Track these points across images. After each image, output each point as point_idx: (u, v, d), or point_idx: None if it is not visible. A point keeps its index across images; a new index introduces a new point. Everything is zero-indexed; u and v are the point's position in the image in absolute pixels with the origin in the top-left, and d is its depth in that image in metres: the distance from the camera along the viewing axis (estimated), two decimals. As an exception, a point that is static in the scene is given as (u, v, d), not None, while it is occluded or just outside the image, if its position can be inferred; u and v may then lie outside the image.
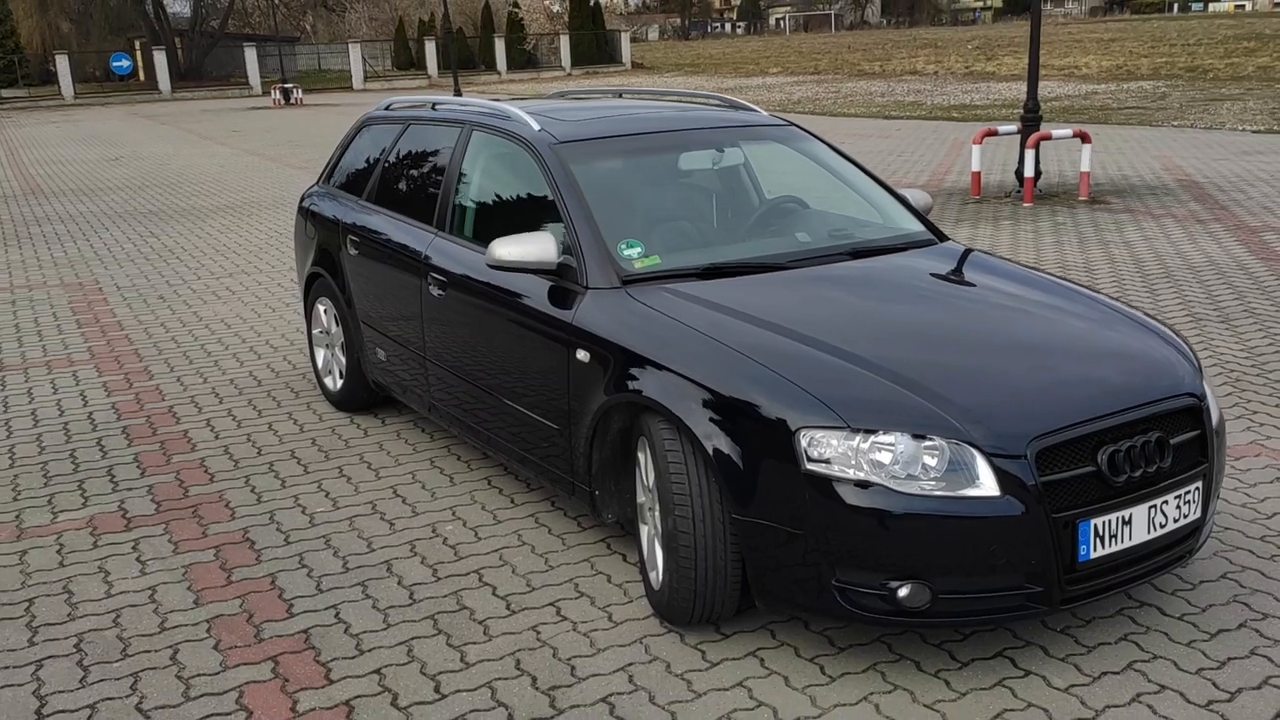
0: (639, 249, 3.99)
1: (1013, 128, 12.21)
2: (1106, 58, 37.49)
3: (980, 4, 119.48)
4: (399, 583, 3.92)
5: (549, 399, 4.00)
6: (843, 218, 4.58)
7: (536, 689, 3.25)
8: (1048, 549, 3.02)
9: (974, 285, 4.02)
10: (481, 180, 4.78)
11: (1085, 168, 11.74)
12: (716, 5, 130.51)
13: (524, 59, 54.56)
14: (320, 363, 5.94)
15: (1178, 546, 3.33)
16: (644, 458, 3.63)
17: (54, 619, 3.72)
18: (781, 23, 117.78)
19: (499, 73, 51.81)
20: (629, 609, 3.69)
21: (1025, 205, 11.39)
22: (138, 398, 6.10)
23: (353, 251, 5.36)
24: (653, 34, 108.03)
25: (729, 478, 3.22)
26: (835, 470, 3.07)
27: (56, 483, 4.92)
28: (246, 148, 22.35)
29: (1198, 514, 3.34)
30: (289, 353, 6.92)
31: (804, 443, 3.09)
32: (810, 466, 3.08)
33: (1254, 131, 17.61)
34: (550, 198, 4.21)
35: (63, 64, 44.81)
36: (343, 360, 5.65)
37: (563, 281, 3.97)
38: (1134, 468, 3.15)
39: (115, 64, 48.03)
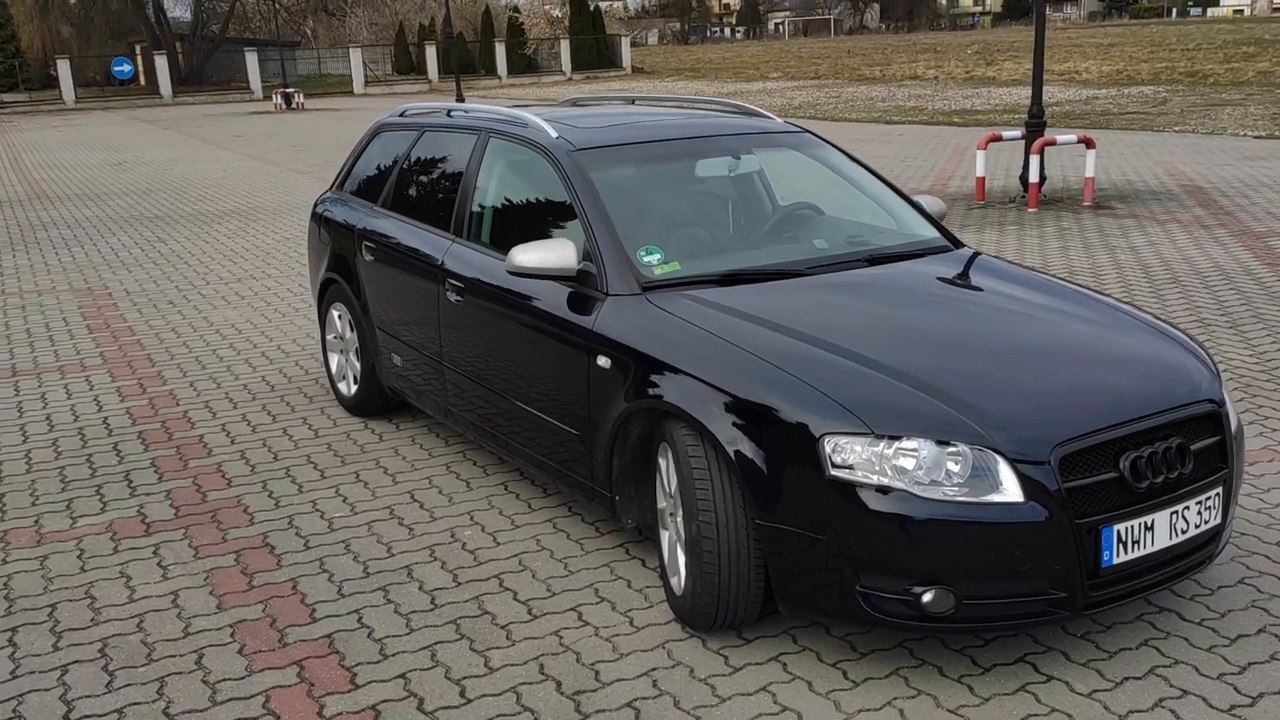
0: (658, 255, 4.02)
1: (1017, 133, 12.25)
2: (1106, 63, 37.55)
3: (979, 9, 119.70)
4: (420, 588, 3.94)
5: (568, 404, 4.02)
6: (859, 224, 4.60)
7: (561, 694, 3.27)
8: (1071, 555, 3.04)
9: (992, 292, 4.04)
10: (498, 187, 4.80)
11: (1090, 173, 11.78)
12: (716, 10, 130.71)
13: (524, 64, 54.63)
14: (334, 368, 5.96)
15: (1198, 552, 3.35)
16: (665, 463, 3.65)
17: (77, 624, 3.74)
18: (780, 27, 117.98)
19: (499, 77, 51.86)
20: (650, 614, 3.71)
21: (1030, 210, 11.42)
22: (152, 403, 6.12)
23: (368, 257, 5.38)
24: (652, 38, 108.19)
25: (752, 483, 3.25)
26: (859, 476, 3.09)
27: (74, 487, 4.94)
28: (249, 152, 22.37)
29: (1218, 519, 3.36)
30: (300, 358, 6.94)
31: (828, 449, 3.12)
32: (834, 472, 3.10)
33: (1255, 137, 17.66)
34: (568, 204, 4.24)
35: (64, 68, 44.85)
36: (357, 365, 5.67)
37: (582, 288, 3.99)
38: (1156, 474, 3.17)
39: (116, 68, 48.09)
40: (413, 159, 5.44)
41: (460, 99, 27.76)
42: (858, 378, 3.28)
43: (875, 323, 3.69)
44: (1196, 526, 3.28)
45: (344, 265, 5.65)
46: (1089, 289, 4.26)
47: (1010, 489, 3.04)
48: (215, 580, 4.03)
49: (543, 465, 4.31)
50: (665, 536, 3.72)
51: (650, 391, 3.59)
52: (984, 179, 12.28)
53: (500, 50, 53.04)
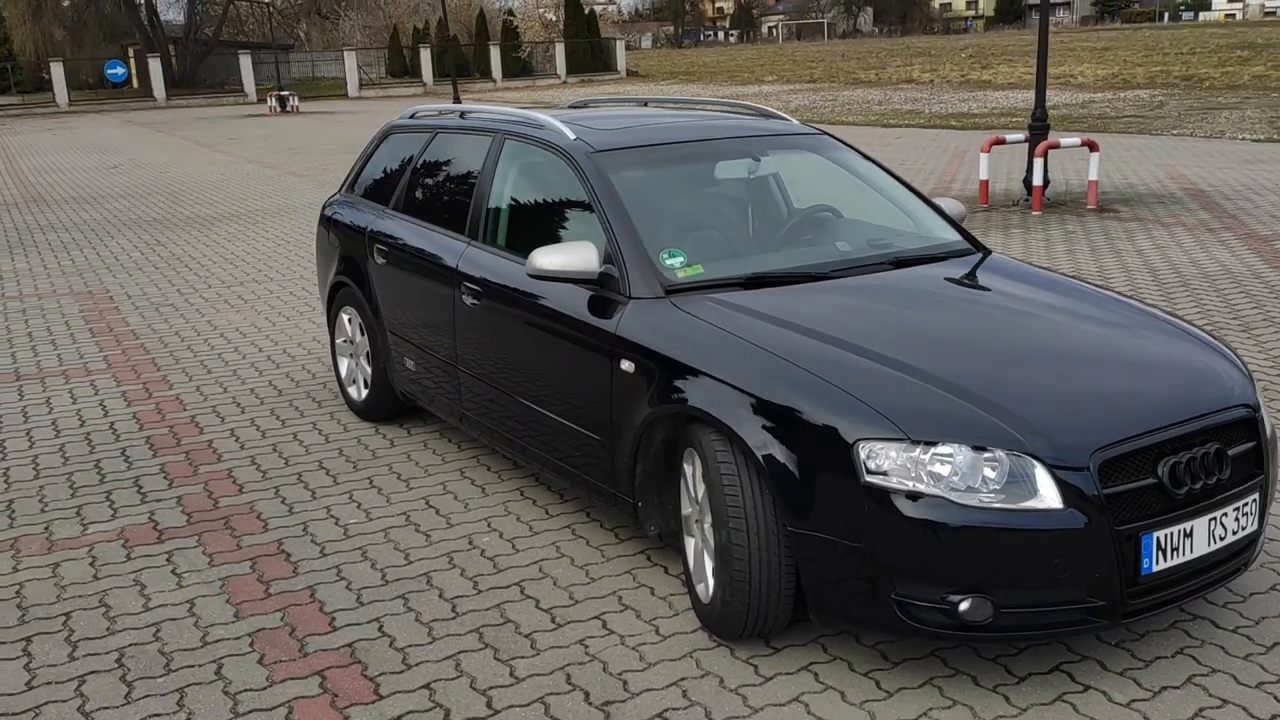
0: (681, 258, 3.96)
1: (1020, 136, 12.22)
2: (1101, 66, 37.62)
3: (971, 13, 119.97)
4: (440, 595, 3.88)
5: (589, 409, 3.96)
6: (879, 227, 4.56)
7: (590, 704, 3.21)
8: (1111, 562, 3.00)
9: (1020, 296, 3.98)
10: (515, 189, 4.74)
11: (1094, 176, 11.75)
12: (709, 14, 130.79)
13: (519, 67, 54.58)
14: (344, 372, 5.89)
15: (1235, 559, 3.30)
16: (691, 469, 3.60)
17: (93, 633, 3.67)
18: (774, 31, 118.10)
19: (494, 81, 51.80)
20: (675, 622, 3.65)
21: (1034, 214, 11.40)
22: (158, 407, 6.05)
23: (380, 260, 5.32)
24: (646, 42, 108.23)
25: (784, 490, 3.19)
26: (894, 482, 3.03)
27: (84, 494, 4.87)
28: (245, 155, 22.29)
29: (1255, 526, 3.32)
30: (307, 361, 6.88)
31: (862, 454, 3.06)
32: (869, 479, 3.05)
33: (1254, 140, 17.66)
34: (587, 206, 4.18)
35: (57, 71, 44.71)
36: (368, 370, 5.61)
37: (604, 291, 3.94)
38: (1194, 480, 3.13)
39: (110, 71, 47.91)
40: (426, 161, 5.38)
41: (457, 101, 27.67)
42: (891, 382, 3.23)
43: (905, 326, 3.63)
44: (1234, 533, 3.23)
45: (355, 268, 5.58)
46: (1116, 292, 4.22)
47: (1048, 495, 2.99)
48: (231, 588, 3.96)
49: (562, 470, 4.25)
50: (690, 543, 3.67)
51: (676, 396, 3.53)
52: (987, 182, 12.25)
53: (495, 53, 52.98)
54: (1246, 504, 3.26)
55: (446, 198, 5.15)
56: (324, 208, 6.15)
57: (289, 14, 61.87)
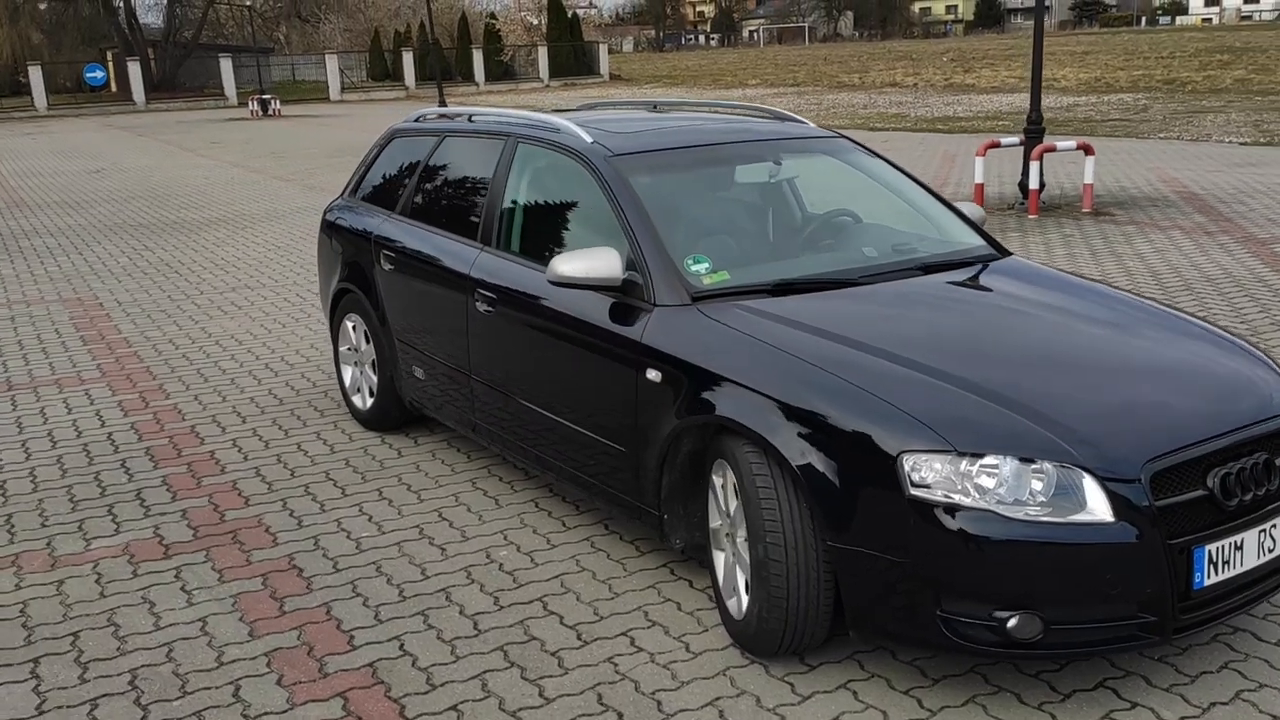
0: (706, 264, 3.87)
1: (1015, 139, 12.19)
2: (1083, 70, 37.77)
3: (950, 17, 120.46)
4: (460, 612, 3.77)
5: (613, 419, 3.86)
6: (902, 232, 4.47)
7: (625, 726, 3.11)
8: (1164, 577, 2.92)
9: (1055, 303, 3.89)
10: (529, 194, 4.64)
11: (1088, 179, 11.74)
12: (690, 17, 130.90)
13: (501, 70, 54.37)
14: (348, 380, 5.77)
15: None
16: (721, 481, 3.50)
17: (103, 654, 3.55)
18: (755, 35, 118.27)
19: (477, 84, 51.59)
20: (706, 638, 3.55)
21: (1031, 217, 11.37)
22: (156, 417, 5.92)
23: (387, 267, 5.21)
24: (627, 45, 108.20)
25: (824, 504, 3.10)
26: (939, 496, 2.95)
27: (84, 507, 4.74)
28: (229, 159, 22.07)
29: (1302, 537, 3.24)
30: (306, 370, 6.75)
31: (907, 466, 2.98)
32: (914, 492, 2.96)
33: (1241, 144, 17.71)
34: (606, 212, 4.08)
35: (35, 75, 44.23)
36: (373, 378, 5.49)
37: (627, 298, 3.84)
38: (1244, 490, 3.05)
39: (89, 75, 47.44)
40: (434, 165, 5.27)
41: (442, 104, 27.51)
42: (933, 392, 3.14)
43: (941, 334, 3.55)
44: (1283, 545, 3.16)
45: (360, 275, 5.46)
46: (1151, 299, 4.15)
47: (1098, 508, 2.91)
48: (244, 605, 3.85)
49: (581, 481, 4.15)
50: (720, 557, 3.58)
51: (707, 407, 3.44)
52: (982, 185, 12.20)
53: (478, 57, 52.79)
54: (1294, 515, 3.18)
55: (457, 203, 5.05)
56: (326, 213, 6.03)
57: (269, 17, 61.43)
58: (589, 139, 4.34)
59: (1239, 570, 3.05)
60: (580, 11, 64.24)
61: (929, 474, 2.97)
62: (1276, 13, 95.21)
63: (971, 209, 4.69)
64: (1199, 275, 8.55)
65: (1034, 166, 11.49)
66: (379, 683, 3.35)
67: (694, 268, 3.84)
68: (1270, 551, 3.12)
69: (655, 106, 5.71)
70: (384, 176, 5.66)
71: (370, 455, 5.27)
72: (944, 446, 2.97)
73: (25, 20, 50.22)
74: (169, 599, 3.90)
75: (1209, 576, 2.99)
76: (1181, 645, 3.40)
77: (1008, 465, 2.94)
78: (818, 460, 3.12)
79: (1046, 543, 2.90)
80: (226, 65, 47.63)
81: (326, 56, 50.86)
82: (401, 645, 3.56)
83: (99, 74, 47.84)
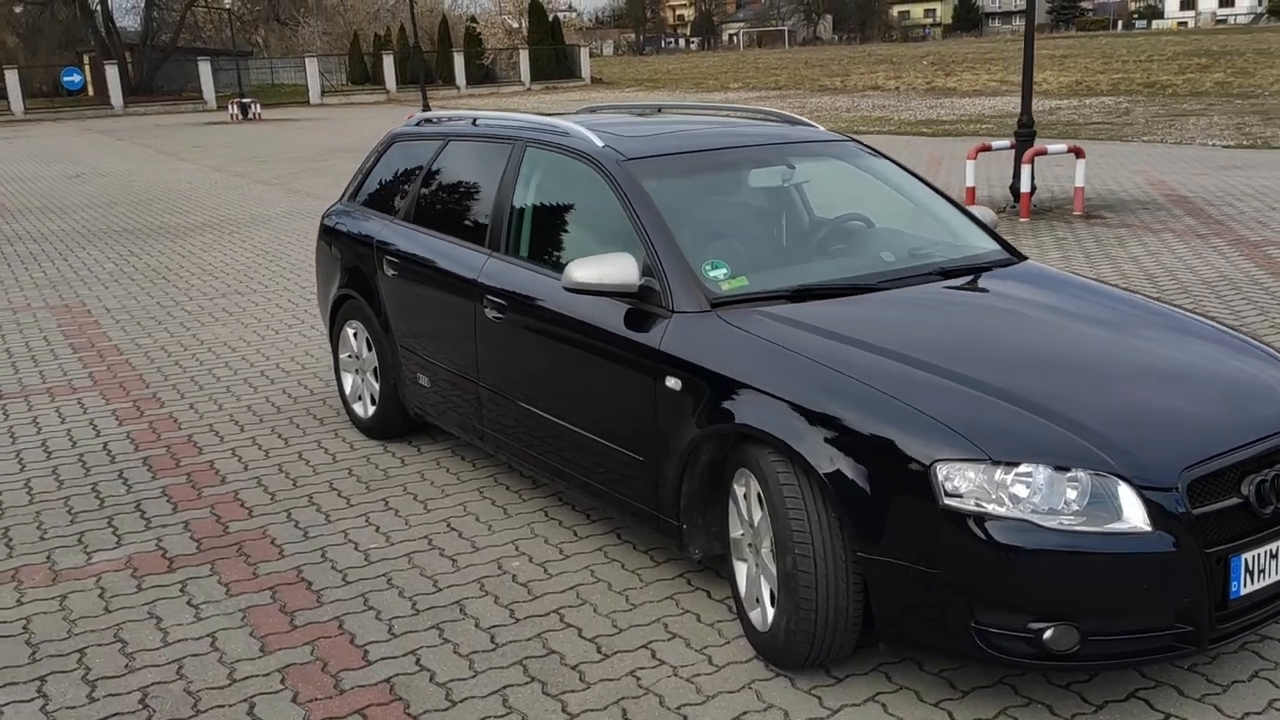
0: (724, 270, 3.81)
1: (1006, 143, 12.19)
2: (1064, 74, 37.91)
3: (929, 21, 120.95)
4: (476, 625, 3.70)
5: (629, 427, 3.80)
6: (917, 237, 4.43)
7: (652, 742, 3.05)
8: (1201, 586, 2.88)
9: (1079, 309, 3.85)
10: (538, 199, 4.57)
11: (1080, 183, 11.75)
12: (670, 20, 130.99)
13: (482, 74, 54.23)
14: (348, 388, 5.68)
15: (1312, 580, 3.19)
16: (743, 491, 3.45)
17: (111, 671, 3.46)
18: (735, 38, 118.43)
19: (458, 88, 51.42)
20: (728, 651, 3.50)
21: (1023, 220, 11.37)
22: (152, 426, 5.81)
23: (390, 272, 5.13)
24: (608, 49, 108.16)
25: (855, 515, 3.05)
26: (973, 505, 2.90)
27: (84, 519, 4.64)
28: (210, 164, 21.89)
29: (1333, 545, 3.21)
30: (303, 377, 6.66)
31: (940, 476, 2.92)
32: (948, 501, 2.91)
33: (1225, 146, 17.79)
34: (619, 217, 4.02)
35: (12, 79, 43.81)
36: (375, 386, 5.40)
37: (644, 305, 3.78)
38: (1278, 497, 3.01)
39: (66, 79, 47.06)
40: (437, 170, 5.19)
41: (426, 108, 27.38)
42: (964, 399, 3.09)
43: (968, 341, 3.50)
44: (1315, 553, 3.12)
45: (361, 281, 5.38)
46: (1171, 304, 4.12)
47: (1134, 517, 2.86)
48: (254, 620, 3.76)
49: (594, 490, 4.08)
50: (742, 568, 3.52)
51: (730, 415, 3.38)
52: (974, 189, 12.20)
53: (459, 60, 52.62)
54: (1326, 522, 3.14)
55: (463, 207, 4.98)
56: (324, 218, 5.94)
57: (247, 20, 61.07)
58: (600, 143, 4.27)
59: (1275, 579, 3.01)
60: (560, 15, 64.13)
61: (962, 483, 2.92)
62: (1251, 16, 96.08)
63: (982, 213, 4.65)
64: (1194, 278, 8.55)
65: (1025, 169, 11.48)
66: (397, 699, 3.28)
67: (712, 273, 3.78)
68: (1304, 559, 3.08)
69: (660, 109, 5.64)
70: (385, 181, 5.58)
71: (374, 464, 5.19)
72: (978, 455, 2.92)
73: (0, 24, 49.78)
74: (176, 614, 3.81)
75: (1245, 585, 2.95)
76: (1210, 654, 3.36)
77: (1042, 474, 2.90)
78: (847, 469, 3.06)
79: (1082, 552, 2.85)
80: (205, 69, 47.32)
81: (306, 60, 50.57)
82: (418, 660, 3.49)
83: (76, 78, 47.50)
